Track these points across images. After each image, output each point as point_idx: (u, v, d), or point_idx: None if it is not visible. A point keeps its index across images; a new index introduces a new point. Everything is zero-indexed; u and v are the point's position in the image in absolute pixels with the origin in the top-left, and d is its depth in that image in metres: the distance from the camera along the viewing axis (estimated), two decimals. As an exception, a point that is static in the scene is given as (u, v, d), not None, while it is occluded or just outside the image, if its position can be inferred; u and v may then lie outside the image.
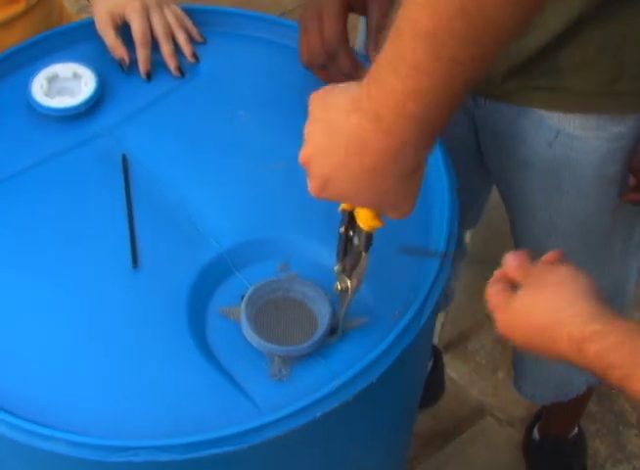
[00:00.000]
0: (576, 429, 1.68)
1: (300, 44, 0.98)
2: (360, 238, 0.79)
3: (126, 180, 0.96)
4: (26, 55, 1.08)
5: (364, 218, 0.77)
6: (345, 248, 0.82)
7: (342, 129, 0.70)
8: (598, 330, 0.70)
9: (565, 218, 1.12)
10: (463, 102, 0.68)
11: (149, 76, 1.07)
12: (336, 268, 0.84)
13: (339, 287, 0.84)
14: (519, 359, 1.40)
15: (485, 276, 1.64)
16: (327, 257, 0.91)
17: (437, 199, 0.94)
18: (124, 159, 0.98)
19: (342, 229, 0.81)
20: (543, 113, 1.02)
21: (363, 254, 0.80)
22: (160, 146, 1.01)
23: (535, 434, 1.67)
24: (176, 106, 1.05)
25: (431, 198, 0.95)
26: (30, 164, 0.98)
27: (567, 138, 1.02)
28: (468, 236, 1.56)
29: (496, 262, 1.33)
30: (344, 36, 0.94)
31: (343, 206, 0.79)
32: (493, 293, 0.79)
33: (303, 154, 0.74)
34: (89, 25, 1.09)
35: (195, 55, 1.09)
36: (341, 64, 0.95)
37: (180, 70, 1.08)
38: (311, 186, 0.75)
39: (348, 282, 0.83)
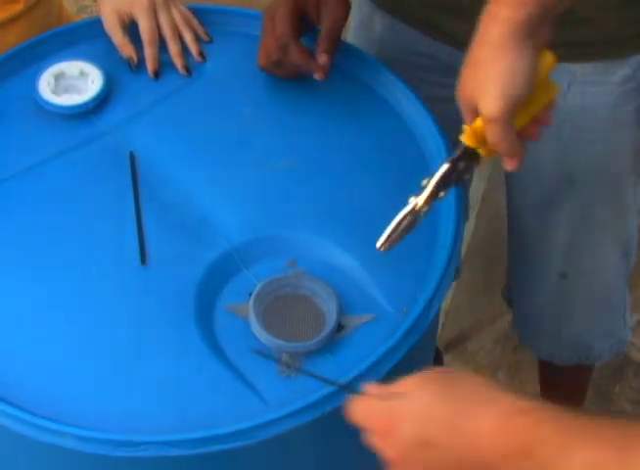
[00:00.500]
0: None
1: (258, 50, 1.05)
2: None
3: (134, 178, 0.96)
4: (33, 53, 1.08)
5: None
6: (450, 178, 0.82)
7: None
8: (532, 404, 0.63)
9: (583, 167, 1.12)
10: None
11: (157, 75, 1.08)
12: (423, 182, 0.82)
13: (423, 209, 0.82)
14: (528, 317, 1.36)
15: (486, 274, 1.65)
16: (334, 253, 0.92)
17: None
18: (132, 156, 0.98)
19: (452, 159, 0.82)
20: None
21: (444, 164, 0.81)
22: (168, 144, 1.01)
23: None
24: (183, 104, 1.05)
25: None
26: (38, 161, 0.99)
27: (580, 86, 1.04)
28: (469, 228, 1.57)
29: (497, 261, 1.34)
30: (295, 32, 1.00)
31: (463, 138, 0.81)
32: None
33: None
34: (95, 24, 1.10)
35: (202, 54, 1.10)
36: (292, 56, 1.00)
37: (187, 68, 1.08)
38: None
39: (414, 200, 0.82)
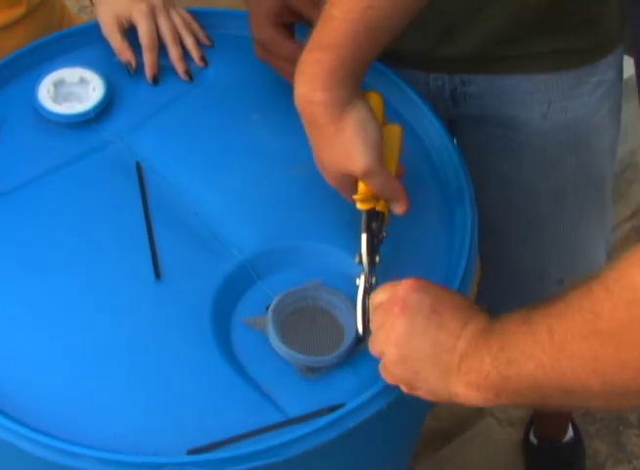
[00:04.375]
0: (571, 432, 1.68)
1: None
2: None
3: (142, 189, 0.94)
4: (31, 59, 1.05)
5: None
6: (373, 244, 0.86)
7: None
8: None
9: (572, 178, 1.14)
10: None
11: (155, 81, 1.05)
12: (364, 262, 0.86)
13: (372, 281, 0.85)
14: None
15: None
16: (350, 263, 0.90)
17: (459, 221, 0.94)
18: (139, 167, 0.96)
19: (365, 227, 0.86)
20: (530, 87, 1.06)
21: (363, 234, 0.85)
22: (173, 152, 0.99)
23: (532, 437, 1.67)
24: (187, 110, 1.03)
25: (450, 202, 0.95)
26: (42, 172, 0.96)
27: (559, 103, 1.06)
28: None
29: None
30: (277, 37, 0.98)
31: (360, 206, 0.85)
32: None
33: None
34: (93, 29, 1.07)
35: (203, 58, 1.08)
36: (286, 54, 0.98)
37: (189, 73, 1.06)
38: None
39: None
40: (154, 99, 1.04)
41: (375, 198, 0.85)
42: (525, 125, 1.09)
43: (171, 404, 0.82)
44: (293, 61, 0.97)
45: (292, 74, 0.96)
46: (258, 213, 0.94)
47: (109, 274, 0.88)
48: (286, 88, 1.05)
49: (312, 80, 0.80)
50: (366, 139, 0.81)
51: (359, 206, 0.86)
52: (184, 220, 0.93)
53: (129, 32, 1.06)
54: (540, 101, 1.07)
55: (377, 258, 0.86)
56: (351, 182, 0.85)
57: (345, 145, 0.81)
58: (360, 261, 0.86)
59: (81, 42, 1.08)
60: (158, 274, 0.88)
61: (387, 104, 0.91)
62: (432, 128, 1.00)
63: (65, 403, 0.81)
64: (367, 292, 0.84)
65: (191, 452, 0.77)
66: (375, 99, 0.87)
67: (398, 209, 0.86)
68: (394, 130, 0.89)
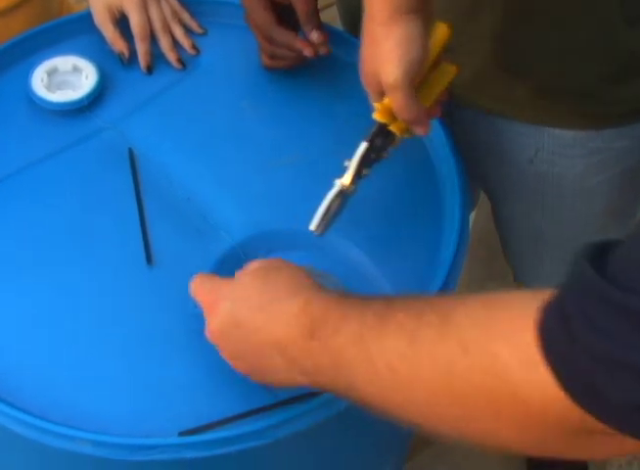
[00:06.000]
0: None
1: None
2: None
3: (134, 176, 0.95)
4: (24, 48, 1.05)
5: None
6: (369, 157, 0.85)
7: None
8: (336, 294, 0.70)
9: (552, 228, 1.13)
10: None
11: (149, 70, 1.06)
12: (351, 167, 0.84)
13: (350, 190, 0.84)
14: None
15: (487, 265, 1.65)
16: (340, 247, 0.91)
17: (448, 192, 0.95)
18: (131, 153, 0.97)
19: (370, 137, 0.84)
20: (520, 128, 1.02)
21: (362, 143, 0.84)
22: (166, 139, 0.99)
23: None
24: (179, 98, 1.04)
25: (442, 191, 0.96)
26: (35, 159, 0.97)
27: (547, 154, 1.03)
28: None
29: (498, 252, 1.34)
30: (272, 19, 0.98)
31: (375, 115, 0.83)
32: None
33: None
34: (86, 18, 1.08)
35: (195, 47, 1.08)
36: (279, 40, 0.99)
37: (181, 61, 1.07)
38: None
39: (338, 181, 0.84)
40: (147, 87, 1.04)
41: (393, 116, 0.83)
42: (512, 161, 1.06)
43: (163, 388, 0.82)
44: (287, 47, 0.98)
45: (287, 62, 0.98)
46: (250, 199, 0.94)
47: (101, 260, 0.89)
48: (279, 76, 1.06)
49: None
50: (404, 55, 0.79)
51: (375, 115, 0.84)
52: (176, 206, 0.93)
53: (121, 22, 1.07)
54: (528, 145, 1.03)
55: (364, 171, 0.85)
56: (380, 89, 0.82)
57: (385, 51, 0.80)
58: (347, 166, 0.84)
59: (74, 31, 1.08)
60: (150, 260, 0.89)
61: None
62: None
63: (57, 387, 0.81)
64: (339, 195, 0.83)
65: (182, 434, 0.78)
66: (441, 29, 0.85)
67: (419, 130, 0.85)
68: (448, 69, 0.87)
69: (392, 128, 0.84)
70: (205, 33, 1.09)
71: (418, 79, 0.81)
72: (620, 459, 1.68)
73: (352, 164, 0.84)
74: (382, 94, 0.83)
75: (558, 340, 0.50)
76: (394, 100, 0.81)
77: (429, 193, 0.97)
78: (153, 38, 1.07)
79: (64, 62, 1.03)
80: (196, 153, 0.98)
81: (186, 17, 1.10)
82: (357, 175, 0.84)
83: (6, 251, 0.90)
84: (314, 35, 0.97)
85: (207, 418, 0.80)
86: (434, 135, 0.98)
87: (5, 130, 1.00)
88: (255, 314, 0.72)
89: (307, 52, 0.98)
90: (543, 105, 0.99)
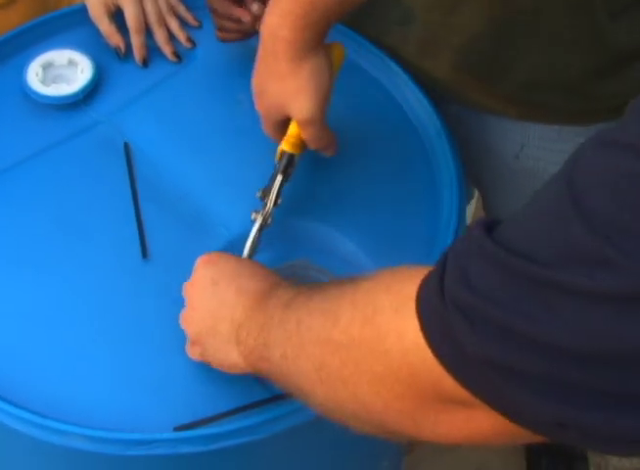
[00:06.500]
0: None
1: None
2: (282, 161, 0.87)
3: (130, 170, 0.94)
4: (19, 42, 1.05)
5: (288, 134, 0.85)
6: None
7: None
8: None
9: None
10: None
11: (145, 63, 1.06)
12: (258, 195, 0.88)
13: (252, 216, 0.87)
14: None
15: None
16: (335, 241, 0.91)
17: (446, 185, 0.94)
18: (127, 147, 0.96)
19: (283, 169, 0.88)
20: (505, 124, 1.02)
21: (278, 176, 0.87)
22: (162, 132, 0.99)
23: None
24: (175, 91, 1.03)
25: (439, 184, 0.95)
26: (30, 153, 0.97)
27: (532, 150, 1.03)
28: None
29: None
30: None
31: (279, 146, 0.87)
32: None
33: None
34: (81, 11, 1.07)
35: (190, 39, 1.08)
36: (220, 10, 1.01)
37: (176, 54, 1.06)
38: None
39: (259, 215, 0.87)
40: (142, 80, 1.04)
41: (301, 145, 0.86)
42: (498, 156, 1.07)
43: (158, 383, 0.82)
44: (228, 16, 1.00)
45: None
46: (246, 192, 0.93)
47: (96, 254, 0.89)
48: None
49: (285, 16, 0.80)
50: (316, 90, 0.83)
51: (285, 147, 0.86)
52: (171, 200, 0.93)
53: (117, 16, 1.06)
54: (513, 141, 1.04)
55: (279, 201, 0.87)
56: (284, 122, 0.86)
57: (297, 87, 0.83)
58: (262, 198, 0.87)
59: (69, 24, 1.08)
60: (145, 254, 0.88)
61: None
62: (419, 106, 1.00)
63: (52, 382, 0.81)
64: (261, 228, 0.86)
65: (177, 429, 0.78)
66: (337, 50, 0.88)
67: (329, 153, 0.89)
68: (338, 50, 0.89)
69: (296, 152, 0.87)
70: (200, 26, 1.09)
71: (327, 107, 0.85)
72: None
73: (271, 198, 0.87)
74: (282, 125, 0.86)
75: (431, 290, 0.50)
76: (309, 133, 0.85)
77: (426, 187, 0.96)
78: (148, 31, 1.06)
79: (59, 55, 1.03)
80: (192, 146, 0.98)
81: (181, 9, 1.10)
82: (275, 206, 0.87)
83: (0, 244, 0.90)
84: (254, 7, 0.98)
85: (203, 413, 0.80)
86: (431, 128, 0.98)
87: (0, 124, 1.00)
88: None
89: (244, 18, 0.99)
90: (528, 100, 0.99)
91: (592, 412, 0.43)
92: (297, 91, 0.83)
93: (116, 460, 0.77)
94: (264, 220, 0.86)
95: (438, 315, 0.49)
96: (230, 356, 0.75)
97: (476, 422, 0.52)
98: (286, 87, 0.83)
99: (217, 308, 0.76)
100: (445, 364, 0.49)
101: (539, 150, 1.03)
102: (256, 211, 0.87)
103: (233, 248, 0.89)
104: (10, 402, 0.78)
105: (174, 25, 1.08)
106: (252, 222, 0.86)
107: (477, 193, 1.34)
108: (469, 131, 1.07)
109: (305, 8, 0.80)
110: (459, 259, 0.49)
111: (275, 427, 0.78)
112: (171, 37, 1.08)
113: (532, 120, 1.00)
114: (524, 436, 0.49)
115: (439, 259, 0.51)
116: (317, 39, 0.82)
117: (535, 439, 0.49)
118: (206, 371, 0.82)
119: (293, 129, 0.86)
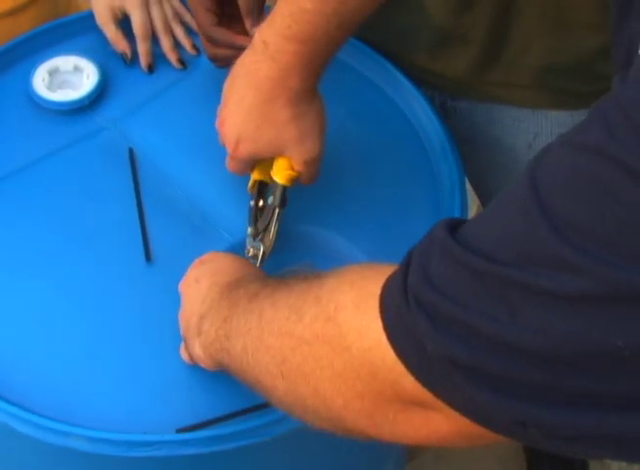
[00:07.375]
0: None
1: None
2: (276, 195, 0.86)
3: (134, 175, 0.95)
4: (26, 47, 1.06)
5: (280, 169, 0.84)
6: (257, 216, 0.89)
7: (242, 72, 0.83)
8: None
9: None
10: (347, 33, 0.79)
11: (150, 69, 1.07)
12: (248, 231, 0.89)
13: (250, 252, 0.88)
14: None
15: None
16: (339, 246, 0.91)
17: (447, 188, 0.95)
18: (131, 153, 0.97)
19: (253, 202, 0.89)
20: (517, 114, 1.03)
21: (277, 210, 0.86)
22: (166, 138, 1.00)
23: None
24: (180, 98, 1.04)
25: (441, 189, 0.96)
26: (36, 158, 0.97)
27: (545, 138, 1.03)
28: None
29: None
30: (211, 20, 0.98)
31: (254, 177, 0.88)
32: None
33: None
34: (88, 18, 1.08)
35: (195, 46, 1.09)
36: (220, 40, 0.99)
37: (182, 61, 1.07)
38: (227, 147, 0.85)
39: (261, 247, 0.87)
40: (147, 86, 1.05)
41: (296, 179, 0.86)
42: (509, 150, 1.07)
43: (161, 384, 0.83)
44: (230, 46, 0.98)
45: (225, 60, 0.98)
46: (248, 198, 0.94)
47: (100, 257, 0.89)
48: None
49: (287, 69, 0.80)
50: (322, 129, 0.84)
51: (282, 182, 0.85)
52: (175, 205, 0.94)
53: (123, 22, 1.07)
54: (526, 130, 1.04)
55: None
56: (258, 159, 0.86)
57: (302, 131, 0.83)
58: (255, 236, 0.88)
59: (76, 31, 1.08)
60: (148, 257, 0.89)
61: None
62: (419, 109, 1.01)
63: (55, 383, 0.82)
64: (263, 258, 0.88)
65: (180, 431, 0.78)
66: None
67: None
68: None
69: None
70: (205, 34, 1.10)
71: None
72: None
73: (272, 230, 0.87)
74: (254, 163, 0.87)
75: (394, 288, 0.50)
76: (312, 171, 0.86)
77: (428, 191, 0.97)
78: (154, 38, 1.07)
79: (65, 61, 1.04)
80: (196, 152, 0.98)
81: (187, 17, 1.10)
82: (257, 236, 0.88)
83: (5, 248, 0.91)
84: (253, 31, 0.96)
85: (206, 415, 0.80)
86: (432, 133, 0.99)
87: (6, 129, 1.00)
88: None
89: (248, 43, 0.97)
90: (541, 86, 0.99)
91: (553, 411, 0.43)
92: (303, 135, 0.83)
93: (119, 462, 0.78)
94: (264, 255, 0.87)
95: (400, 313, 0.49)
96: (195, 350, 0.75)
97: (435, 422, 0.52)
98: (287, 133, 0.83)
99: (194, 305, 0.76)
100: (406, 362, 0.49)
101: (553, 137, 1.02)
102: (255, 248, 0.87)
103: (236, 251, 0.90)
104: (13, 404, 0.78)
105: (180, 33, 1.09)
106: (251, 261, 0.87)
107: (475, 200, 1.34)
108: (478, 126, 1.07)
109: (309, 57, 0.80)
110: (422, 258, 0.49)
111: (278, 429, 0.78)
112: (177, 44, 1.09)
113: (547, 107, 1.01)
114: (484, 436, 0.49)
115: (404, 258, 0.51)
116: (318, 82, 0.83)
117: (496, 439, 0.48)
118: (209, 373, 0.82)
119: (283, 163, 0.85)
